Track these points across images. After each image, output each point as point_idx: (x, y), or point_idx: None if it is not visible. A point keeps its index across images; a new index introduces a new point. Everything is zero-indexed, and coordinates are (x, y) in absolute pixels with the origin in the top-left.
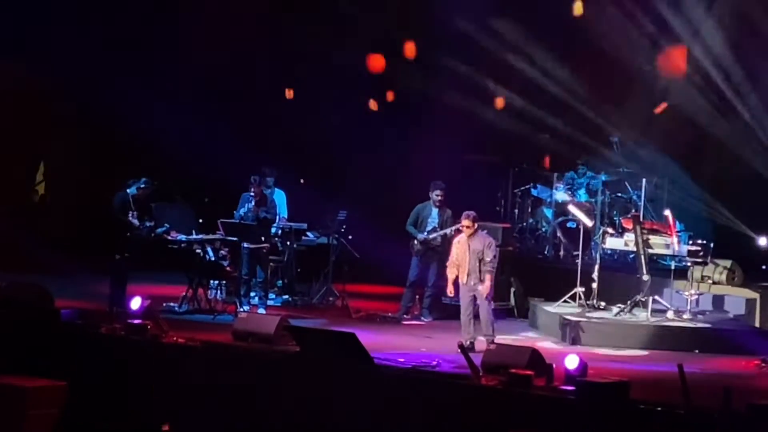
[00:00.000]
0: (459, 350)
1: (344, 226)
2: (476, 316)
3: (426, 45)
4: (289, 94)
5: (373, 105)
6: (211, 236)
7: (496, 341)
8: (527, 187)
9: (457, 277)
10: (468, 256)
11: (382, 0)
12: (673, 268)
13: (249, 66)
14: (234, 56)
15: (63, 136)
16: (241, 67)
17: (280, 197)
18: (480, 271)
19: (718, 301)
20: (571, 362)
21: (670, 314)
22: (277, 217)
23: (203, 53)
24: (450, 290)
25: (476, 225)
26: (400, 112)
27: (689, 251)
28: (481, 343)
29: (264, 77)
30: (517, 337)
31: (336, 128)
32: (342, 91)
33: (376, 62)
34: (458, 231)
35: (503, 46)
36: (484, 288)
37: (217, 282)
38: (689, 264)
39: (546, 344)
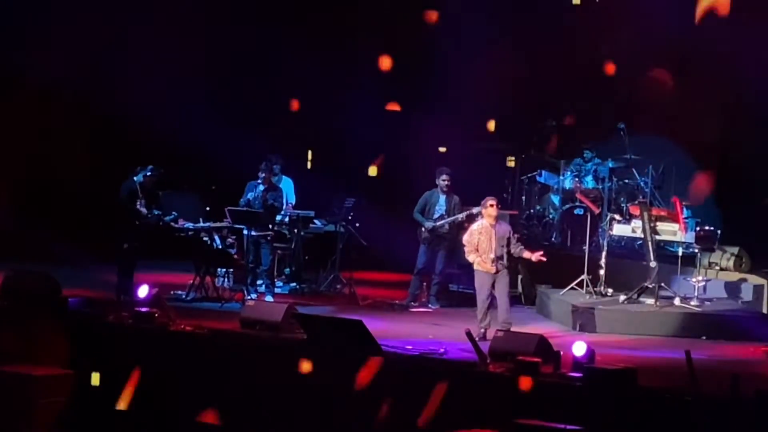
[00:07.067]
0: (467, 337)
1: (351, 214)
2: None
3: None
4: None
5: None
6: (218, 224)
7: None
8: (534, 173)
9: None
10: (494, 242)
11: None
12: (680, 254)
13: (259, 54)
14: (242, 42)
15: (69, 125)
16: (251, 55)
17: (287, 185)
18: (504, 258)
19: (725, 287)
20: (579, 349)
21: (677, 301)
22: (285, 205)
23: (209, 39)
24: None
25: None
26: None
27: (696, 237)
28: (492, 332)
29: (274, 67)
30: (524, 324)
31: (346, 118)
32: (355, 86)
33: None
34: (469, 217)
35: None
36: (537, 255)
37: (224, 270)
38: (697, 250)
39: (553, 331)
